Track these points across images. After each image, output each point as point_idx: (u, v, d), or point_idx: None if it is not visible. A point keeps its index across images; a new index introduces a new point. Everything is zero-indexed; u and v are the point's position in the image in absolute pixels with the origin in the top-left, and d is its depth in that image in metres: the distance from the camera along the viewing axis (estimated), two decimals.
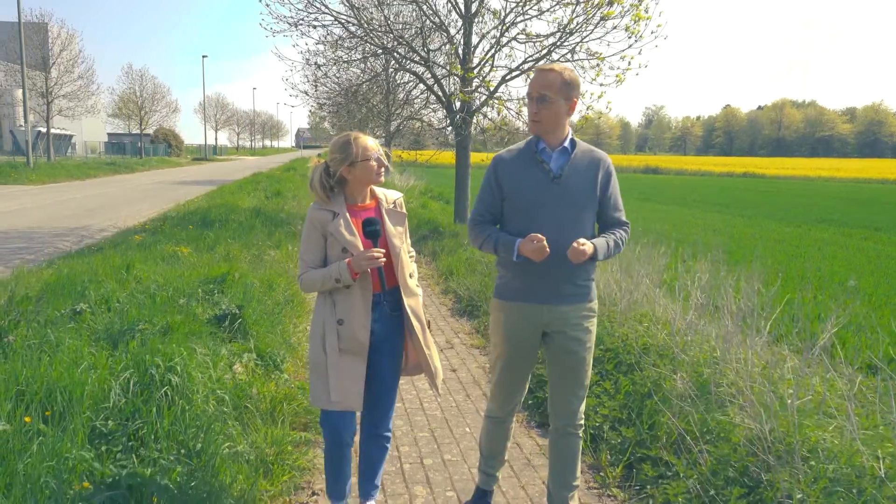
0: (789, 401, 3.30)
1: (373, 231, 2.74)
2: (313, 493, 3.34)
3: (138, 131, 59.52)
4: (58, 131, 46.91)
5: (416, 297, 2.96)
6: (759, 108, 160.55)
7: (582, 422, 3.00)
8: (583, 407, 2.98)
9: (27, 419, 2.92)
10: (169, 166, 49.32)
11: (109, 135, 70.75)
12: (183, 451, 3.02)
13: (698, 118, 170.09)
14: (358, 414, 3.01)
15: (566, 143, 2.81)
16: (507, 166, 2.86)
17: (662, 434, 3.63)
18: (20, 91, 36.06)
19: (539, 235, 2.61)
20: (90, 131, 61.62)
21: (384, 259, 2.73)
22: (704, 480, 3.10)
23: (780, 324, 5.31)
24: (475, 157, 14.12)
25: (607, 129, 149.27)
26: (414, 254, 3.07)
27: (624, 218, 2.94)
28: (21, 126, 43.71)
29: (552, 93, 2.70)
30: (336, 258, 2.76)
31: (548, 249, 2.61)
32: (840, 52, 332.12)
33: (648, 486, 3.36)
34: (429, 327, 3.02)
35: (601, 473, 3.64)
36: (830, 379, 3.98)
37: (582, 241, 2.63)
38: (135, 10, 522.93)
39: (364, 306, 2.78)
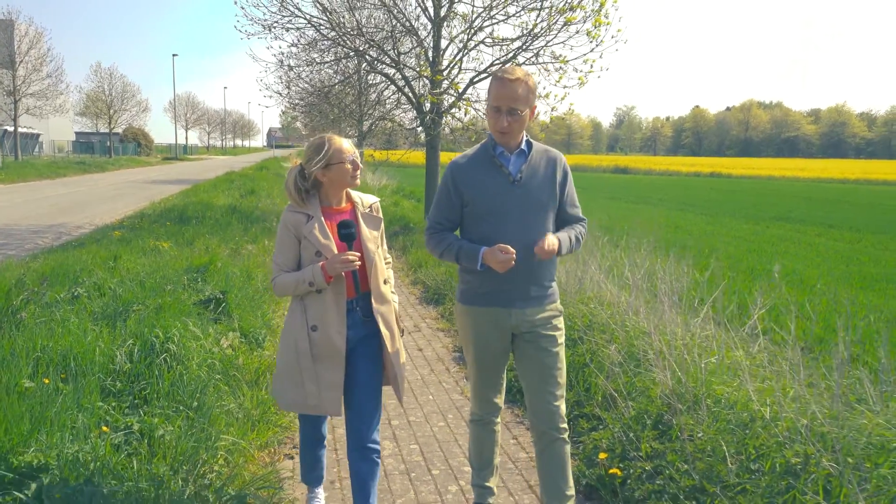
0: (702, 363, 3.89)
1: (348, 234, 2.69)
2: (294, 447, 3.85)
3: (106, 130, 59.02)
4: (24, 130, 46.46)
5: (389, 305, 2.90)
6: (728, 108, 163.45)
7: (565, 425, 2.89)
8: (563, 408, 2.90)
9: (46, 381, 3.38)
10: (139, 166, 49.12)
11: (77, 133, 69.99)
12: (182, 407, 3.51)
13: (668, 119, 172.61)
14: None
15: (523, 145, 2.81)
16: (464, 172, 2.83)
17: (596, 394, 4.21)
18: None
19: (509, 248, 2.60)
20: (57, 130, 60.96)
21: (359, 262, 2.69)
22: (626, 427, 3.68)
23: (713, 306, 5.97)
24: (444, 157, 14.63)
25: (579, 129, 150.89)
26: (390, 260, 3.03)
27: (581, 214, 2.97)
28: None
29: (521, 105, 2.68)
30: (310, 262, 2.71)
31: (514, 263, 2.62)
32: (839, 53, 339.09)
33: (583, 437, 3.93)
34: (402, 335, 2.99)
35: None
36: (753, 352, 4.60)
37: (549, 238, 2.65)
38: (105, 10, 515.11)
39: (338, 311, 2.72)
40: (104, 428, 3.02)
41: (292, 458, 3.76)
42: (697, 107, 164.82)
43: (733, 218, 22.68)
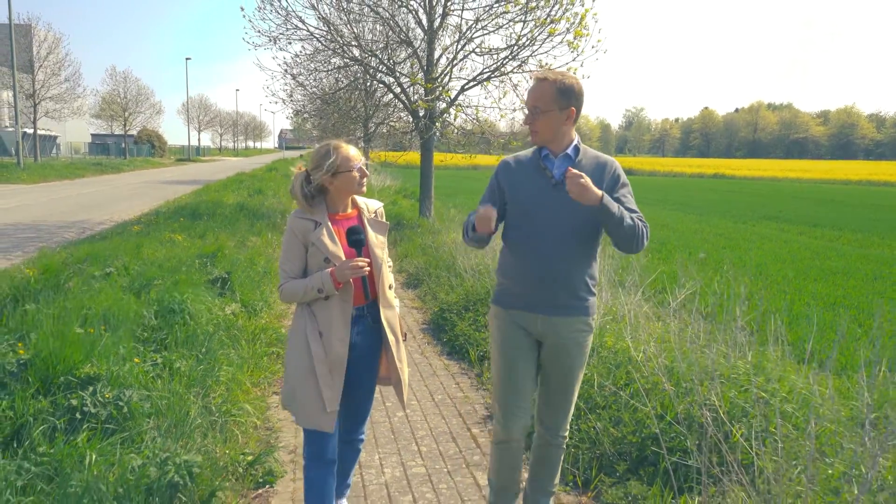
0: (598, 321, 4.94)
1: (357, 240, 2.70)
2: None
3: (121, 132, 60.50)
4: (43, 132, 47.91)
5: (394, 310, 2.92)
6: (736, 110, 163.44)
7: (566, 433, 2.98)
8: (569, 419, 2.97)
9: (91, 330, 4.46)
10: (153, 167, 50.52)
11: (93, 135, 71.59)
12: (194, 351, 4.59)
13: (677, 120, 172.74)
14: None
15: (569, 150, 2.78)
16: (509, 172, 2.85)
17: None
18: (4, 93, 37.05)
19: (487, 211, 2.62)
20: (74, 132, 62.51)
21: (368, 268, 2.70)
22: None
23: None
24: (436, 158, 15.62)
25: (587, 131, 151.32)
26: (391, 264, 3.03)
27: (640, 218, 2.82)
28: (7, 127, 44.80)
29: (544, 103, 2.67)
30: (317, 268, 2.69)
31: (492, 223, 2.62)
32: (841, 53, 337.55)
33: None
34: (404, 339, 3.00)
35: (481, 377, 5.26)
36: (668, 321, 5.63)
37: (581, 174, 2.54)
38: (119, 14, 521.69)
39: (343, 319, 2.71)
40: (136, 360, 4.10)
41: (279, 394, 4.83)
42: (706, 108, 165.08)
43: (723, 217, 23.24)
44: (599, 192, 2.56)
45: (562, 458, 3.05)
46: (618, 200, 2.74)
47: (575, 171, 2.54)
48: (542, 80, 2.68)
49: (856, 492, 2.89)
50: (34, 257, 8.33)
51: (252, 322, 5.86)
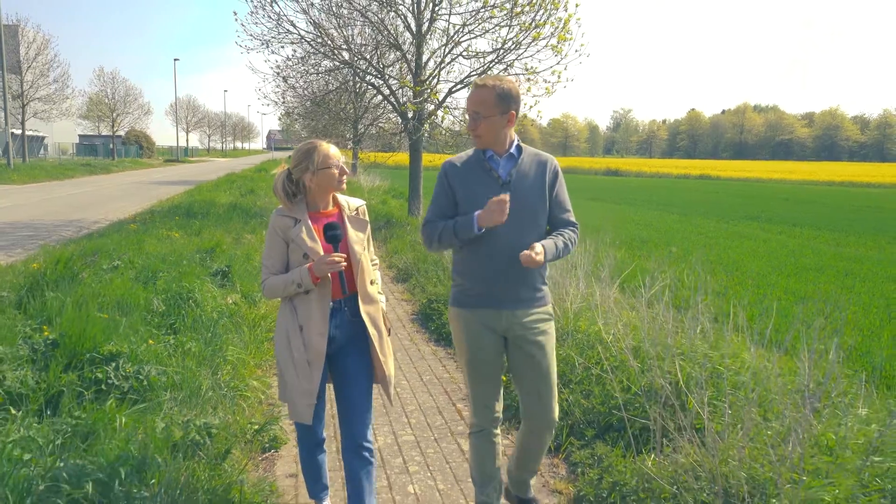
0: (572, 307, 5.38)
1: (333, 236, 2.77)
2: None
3: (109, 133, 60.44)
4: (30, 133, 47.86)
5: (376, 305, 2.95)
6: (723, 111, 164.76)
7: (556, 418, 3.06)
8: (556, 406, 3.03)
9: (104, 315, 4.85)
10: (142, 167, 50.65)
11: (80, 136, 71.41)
12: (202, 335, 4.98)
13: (664, 122, 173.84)
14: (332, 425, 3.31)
15: (512, 150, 2.89)
16: (457, 172, 2.92)
17: None
18: None
19: (502, 197, 2.68)
20: (61, 133, 62.31)
21: (345, 263, 2.76)
22: None
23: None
24: (426, 159, 16.03)
25: (575, 132, 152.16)
26: (377, 261, 3.10)
27: (573, 218, 3.02)
28: None
29: (485, 109, 2.77)
30: (297, 264, 2.78)
31: (507, 211, 2.68)
32: (839, 53, 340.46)
33: None
34: (389, 334, 3.04)
35: None
36: (640, 311, 6.07)
37: (535, 246, 2.71)
38: (107, 12, 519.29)
39: (321, 313, 2.78)
40: (150, 341, 4.50)
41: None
42: (693, 109, 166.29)
43: (705, 217, 23.57)
44: (541, 256, 2.72)
45: (549, 442, 3.12)
46: (559, 198, 2.95)
47: (527, 257, 2.67)
48: (482, 87, 2.80)
49: (790, 448, 3.33)
50: (37, 253, 8.68)
51: (252, 311, 6.26)
